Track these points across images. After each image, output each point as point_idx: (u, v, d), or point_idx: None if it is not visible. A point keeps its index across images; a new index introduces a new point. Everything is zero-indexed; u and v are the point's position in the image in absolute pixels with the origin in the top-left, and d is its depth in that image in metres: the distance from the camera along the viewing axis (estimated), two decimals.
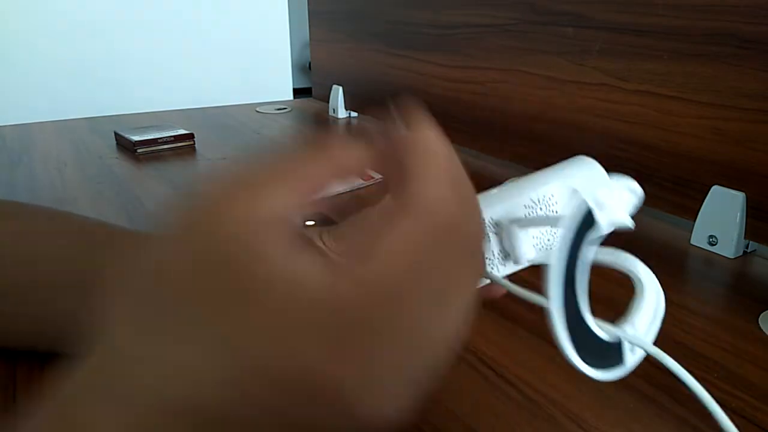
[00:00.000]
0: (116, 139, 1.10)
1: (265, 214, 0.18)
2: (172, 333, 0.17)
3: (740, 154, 0.60)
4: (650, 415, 0.38)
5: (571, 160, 0.35)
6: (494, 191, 0.34)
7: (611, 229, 0.28)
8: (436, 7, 1.03)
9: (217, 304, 0.17)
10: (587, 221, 0.26)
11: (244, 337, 0.17)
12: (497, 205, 0.32)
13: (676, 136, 0.66)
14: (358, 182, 0.83)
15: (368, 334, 0.17)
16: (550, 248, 0.32)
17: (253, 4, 2.18)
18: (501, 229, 0.32)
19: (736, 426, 0.38)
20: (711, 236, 0.62)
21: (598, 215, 0.26)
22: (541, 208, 0.32)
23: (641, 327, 0.29)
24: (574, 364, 0.25)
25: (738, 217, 0.60)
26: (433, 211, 0.19)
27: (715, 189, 0.62)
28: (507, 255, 0.32)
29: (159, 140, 1.05)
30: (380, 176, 0.91)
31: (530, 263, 0.31)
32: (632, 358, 0.27)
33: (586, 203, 0.26)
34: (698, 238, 0.63)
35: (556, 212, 0.32)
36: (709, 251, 0.62)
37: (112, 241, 0.42)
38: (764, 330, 0.48)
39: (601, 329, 0.26)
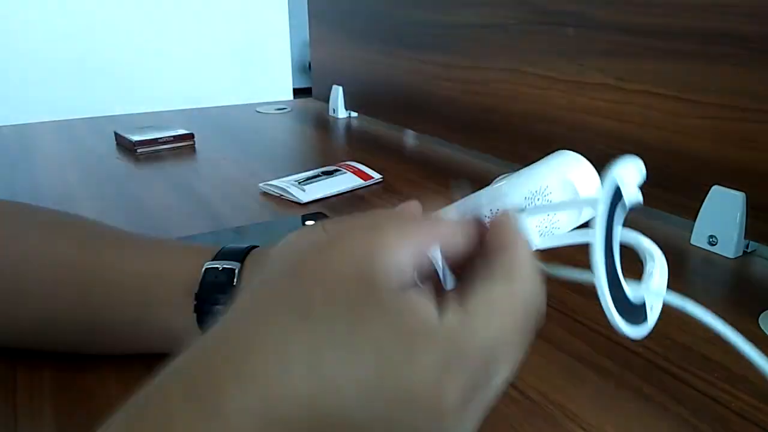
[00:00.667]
0: (116, 139, 1.10)
1: (391, 258, 0.23)
2: (321, 340, 0.21)
3: (740, 154, 0.60)
4: (650, 415, 0.38)
5: (555, 155, 0.38)
6: (492, 186, 0.37)
7: (632, 205, 0.30)
8: (437, 7, 1.03)
9: (354, 318, 0.21)
10: (616, 198, 0.28)
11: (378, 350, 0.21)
12: (501, 198, 0.35)
13: (676, 136, 0.66)
14: (358, 182, 0.83)
15: (472, 369, 0.22)
16: (551, 233, 0.35)
17: (253, 4, 2.18)
18: None
19: (737, 426, 0.38)
20: (711, 236, 0.62)
21: (625, 192, 0.28)
22: (538, 199, 0.35)
23: (657, 286, 0.31)
24: (619, 328, 0.26)
25: (738, 217, 0.60)
26: (526, 302, 0.24)
27: (715, 189, 0.62)
28: None
29: (159, 140, 1.05)
30: (380, 176, 0.90)
31: (535, 249, 0.32)
32: (652, 316, 0.29)
33: (614, 181, 0.27)
34: (698, 238, 0.63)
35: (551, 201, 0.35)
36: (709, 251, 0.62)
37: (116, 241, 0.42)
38: (764, 330, 0.48)
39: (631, 291, 0.28)
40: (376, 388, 0.20)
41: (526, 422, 0.37)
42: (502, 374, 0.24)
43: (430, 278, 0.26)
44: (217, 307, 0.37)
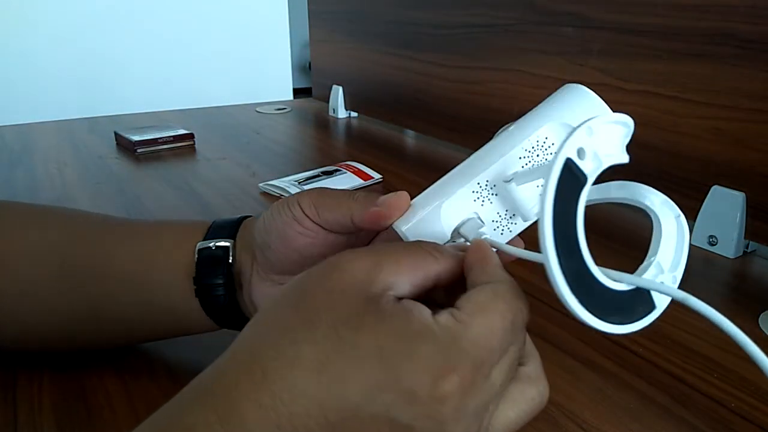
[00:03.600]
0: (116, 139, 1.10)
1: (387, 277, 0.25)
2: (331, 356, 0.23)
3: (740, 154, 0.60)
4: (650, 415, 0.38)
5: (560, 90, 0.33)
6: (489, 144, 0.32)
7: (603, 168, 0.26)
8: (436, 7, 1.03)
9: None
10: (571, 170, 0.24)
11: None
12: (492, 163, 0.30)
13: (676, 136, 0.66)
14: (358, 182, 0.83)
15: (471, 366, 0.23)
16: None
17: (253, 4, 2.18)
18: (498, 189, 0.30)
19: (737, 426, 0.38)
20: (711, 236, 0.62)
21: (582, 164, 0.25)
22: (537, 155, 0.30)
23: (666, 263, 0.27)
24: (583, 320, 0.23)
25: (738, 217, 0.60)
26: (512, 309, 0.25)
27: (715, 189, 0.62)
28: (514, 213, 0.31)
29: (159, 140, 1.05)
30: (379, 176, 0.90)
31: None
32: (664, 299, 0.26)
33: (564, 154, 0.24)
34: (698, 238, 0.63)
35: (553, 154, 0.30)
36: (709, 251, 0.62)
37: (108, 229, 0.42)
38: (764, 330, 0.48)
39: (611, 279, 0.24)
40: (380, 385, 0.22)
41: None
42: (498, 377, 0.24)
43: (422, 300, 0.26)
44: (218, 286, 0.37)
